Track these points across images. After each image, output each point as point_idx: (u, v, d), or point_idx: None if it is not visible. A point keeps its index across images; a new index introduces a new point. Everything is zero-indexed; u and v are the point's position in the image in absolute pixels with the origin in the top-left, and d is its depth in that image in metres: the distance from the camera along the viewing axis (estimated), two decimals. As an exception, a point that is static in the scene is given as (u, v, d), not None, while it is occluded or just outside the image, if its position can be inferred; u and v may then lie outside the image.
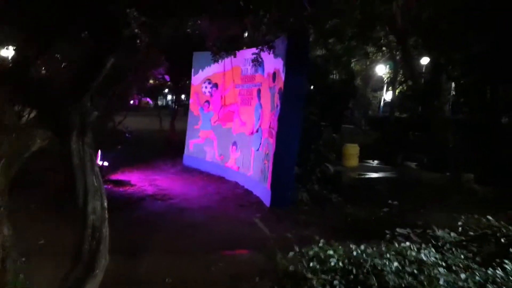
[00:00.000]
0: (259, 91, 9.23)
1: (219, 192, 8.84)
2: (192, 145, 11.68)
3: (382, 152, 11.18)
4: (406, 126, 12.36)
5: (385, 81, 23.07)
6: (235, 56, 8.34)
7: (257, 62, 7.70)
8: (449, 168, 9.36)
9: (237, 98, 10.26)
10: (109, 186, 8.79)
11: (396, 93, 23.19)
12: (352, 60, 21.69)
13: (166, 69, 8.84)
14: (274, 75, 8.18)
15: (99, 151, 8.91)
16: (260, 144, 8.74)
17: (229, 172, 10.16)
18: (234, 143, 10.17)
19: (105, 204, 3.34)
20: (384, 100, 23.46)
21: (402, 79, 18.78)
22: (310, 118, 8.17)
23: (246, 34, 9.04)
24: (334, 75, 21.22)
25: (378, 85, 23.91)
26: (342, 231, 6.39)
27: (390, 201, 7.93)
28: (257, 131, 9.00)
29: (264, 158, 8.26)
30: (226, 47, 7.96)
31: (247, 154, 9.45)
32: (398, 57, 20.54)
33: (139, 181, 9.62)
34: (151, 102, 8.74)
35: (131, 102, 8.59)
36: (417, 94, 11.16)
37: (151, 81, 19.98)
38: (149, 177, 10.16)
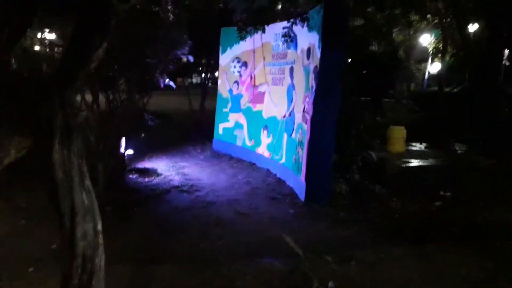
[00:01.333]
0: (291, 69, 8.34)
1: (250, 182, 8.17)
2: (221, 129, 11.02)
3: (431, 133, 10.01)
4: (458, 102, 11.07)
5: (430, 52, 21.24)
6: (264, 32, 7.47)
7: (289, 37, 6.79)
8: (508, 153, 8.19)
9: (268, 78, 9.41)
10: (134, 176, 8.34)
11: (445, 65, 21.38)
12: (394, 30, 20.10)
13: (190, 48, 8.07)
14: (309, 52, 7.26)
15: (123, 139, 8.45)
16: (293, 129, 7.92)
17: (260, 159, 9.46)
18: (265, 127, 9.40)
19: (99, 226, 2.70)
20: (429, 72, 21.68)
21: (454, 50, 17.08)
22: (350, 99, 7.22)
23: (278, 6, 8.10)
24: (374, 47, 19.78)
25: (422, 56, 22.10)
26: (389, 231, 5.60)
27: (442, 193, 7.02)
28: (290, 115, 8.17)
29: (297, 146, 7.46)
30: (254, 20, 7.09)
31: (279, 140, 8.68)
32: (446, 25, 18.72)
33: (166, 169, 9.12)
34: (173, 85, 8.06)
35: (162, 84, 7.92)
36: (472, 63, 9.83)
37: (184, 59, 19.56)
38: (177, 164, 9.65)
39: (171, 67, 7.64)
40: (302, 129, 7.28)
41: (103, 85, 7.00)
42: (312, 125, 6.60)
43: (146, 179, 8.22)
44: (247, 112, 10.16)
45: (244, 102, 10.30)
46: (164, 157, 10.24)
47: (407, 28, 20.85)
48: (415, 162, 7.91)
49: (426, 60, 21.87)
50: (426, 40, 21.26)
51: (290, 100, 8.25)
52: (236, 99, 10.57)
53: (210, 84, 15.43)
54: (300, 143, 7.28)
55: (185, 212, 6.36)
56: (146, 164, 9.51)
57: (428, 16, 20.76)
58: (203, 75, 16.43)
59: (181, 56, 8.02)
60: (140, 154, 9.81)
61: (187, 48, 7.95)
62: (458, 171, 7.66)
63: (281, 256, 4.66)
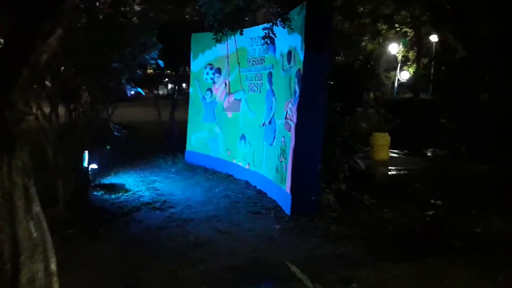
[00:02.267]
0: (270, 74, 7.85)
1: (228, 195, 7.55)
2: (194, 139, 10.36)
3: (410, 140, 9.78)
4: (434, 109, 10.96)
5: (400, 60, 21.52)
6: (241, 34, 6.96)
7: (269, 39, 6.29)
8: (495, 158, 8.02)
9: (244, 84, 8.89)
10: (100, 193, 7.53)
11: (418, 72, 21.69)
12: (364, 39, 20.21)
13: (160, 53, 7.43)
14: (290, 55, 6.80)
15: (86, 153, 7.65)
16: (274, 138, 7.41)
17: (238, 170, 8.86)
18: (243, 136, 8.84)
19: (53, 265, 2.04)
20: (399, 80, 21.93)
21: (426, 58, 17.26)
22: (334, 104, 6.80)
23: (253, 6, 7.61)
24: (340, 57, 19.77)
25: (391, 65, 22.35)
26: (385, 246, 5.14)
27: (433, 201, 6.67)
28: (270, 122, 7.66)
29: (280, 155, 6.94)
30: (230, 22, 6.58)
31: (258, 149, 8.14)
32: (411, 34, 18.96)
33: (135, 184, 8.36)
34: (141, 91, 7.46)
35: (129, 93, 7.21)
36: (453, 70, 9.74)
37: (149, 71, 18.75)
38: (147, 178, 8.89)
39: (139, 73, 6.96)
40: (284, 137, 6.77)
41: (62, 93, 6.24)
42: (297, 132, 6.10)
43: (113, 196, 7.44)
44: (222, 121, 9.57)
45: (218, 111, 9.71)
46: (133, 171, 9.46)
47: (376, 37, 21.10)
48: (401, 170, 7.56)
49: (395, 69, 22.14)
50: (395, 48, 21.55)
51: (269, 107, 7.74)
52: (210, 107, 9.97)
53: (176, 95, 14.78)
54: (283, 152, 6.77)
55: (159, 233, 5.67)
56: (113, 179, 8.71)
57: (396, 25, 21.10)
58: (169, 86, 15.75)
59: (150, 61, 7.36)
60: (106, 169, 9.00)
61: (156, 53, 7.30)
62: (446, 179, 7.36)
63: (274, 281, 4.07)
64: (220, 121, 9.66)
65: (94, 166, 7.93)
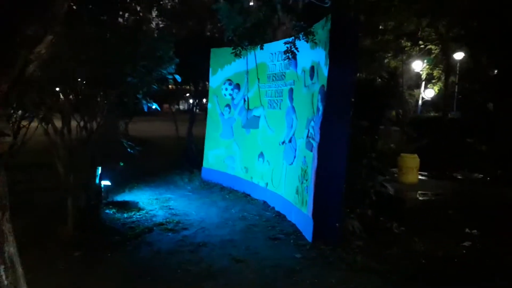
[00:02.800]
0: (291, 91, 7.48)
1: (245, 217, 7.13)
2: (212, 156, 10.03)
3: (437, 162, 9.18)
4: (464, 129, 10.36)
5: (423, 78, 20.85)
6: (261, 48, 6.64)
7: (291, 53, 5.94)
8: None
9: (264, 100, 8.54)
10: (112, 212, 7.22)
11: (436, 90, 21.00)
12: (387, 55, 19.71)
13: (178, 68, 7.16)
14: (312, 70, 6.42)
15: (99, 169, 7.40)
16: (294, 157, 6.99)
17: (255, 189, 8.45)
18: (261, 154, 8.45)
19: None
20: (423, 98, 21.23)
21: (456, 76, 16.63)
22: (359, 123, 6.36)
23: (274, 20, 7.32)
24: (361, 74, 19.28)
25: (415, 82, 21.69)
26: (417, 283, 4.58)
27: (468, 230, 6.09)
28: (290, 141, 7.25)
29: (301, 176, 6.50)
30: (250, 37, 6.28)
31: (277, 168, 7.72)
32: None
33: (149, 202, 8.04)
34: (157, 107, 7.22)
35: (145, 108, 6.94)
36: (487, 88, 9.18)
37: (170, 86, 18.68)
38: (161, 195, 8.58)
39: (155, 87, 6.68)
40: (306, 157, 6.34)
41: (74, 106, 6.01)
42: (320, 152, 5.67)
43: (125, 215, 7.12)
44: (241, 138, 9.22)
45: (236, 127, 9.38)
46: (147, 188, 9.17)
47: (399, 54, 20.57)
48: (431, 195, 7.00)
49: (419, 86, 21.47)
50: (419, 66, 20.93)
51: (289, 125, 7.34)
52: (228, 123, 9.65)
53: (197, 110, 14.56)
54: (304, 172, 6.33)
55: (170, 258, 5.27)
56: (127, 196, 8.42)
57: (420, 42, 20.55)
58: (190, 100, 15.57)
59: (167, 76, 7.08)
60: (120, 185, 8.75)
61: (173, 67, 7.03)
62: (481, 205, 6.77)
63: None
64: (238, 138, 9.31)
65: (107, 182, 7.65)
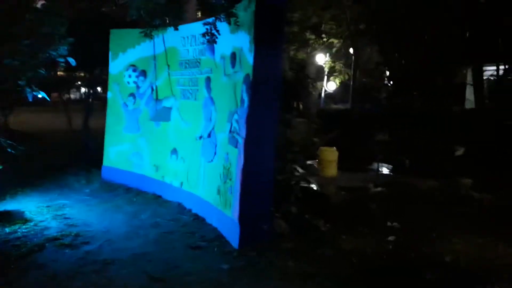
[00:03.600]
0: (208, 80, 6.77)
1: (158, 223, 6.28)
2: (114, 152, 8.84)
3: (351, 154, 9.29)
4: (369, 122, 10.70)
5: (326, 71, 21.65)
6: (176, 29, 5.81)
7: (211, 37, 5.22)
8: (439, 172, 7.80)
9: (175, 90, 7.69)
10: (-12, 226, 5.81)
11: (338, 83, 21.99)
12: (292, 48, 19.96)
13: (71, 50, 5.97)
14: (234, 58, 5.79)
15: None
16: (215, 154, 6.33)
17: (168, 190, 7.60)
18: (174, 151, 7.61)
19: None
20: (325, 91, 22.03)
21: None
22: (285, 115, 5.95)
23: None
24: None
25: (317, 75, 22.42)
26: (355, 284, 4.32)
27: (389, 223, 6.09)
28: (209, 135, 6.56)
29: (222, 174, 5.88)
30: (163, 14, 5.43)
31: (194, 166, 6.98)
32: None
33: (38, 211, 6.72)
34: (46, 96, 5.96)
35: (30, 97, 5.62)
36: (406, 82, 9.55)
37: (60, 72, 16.41)
38: (54, 202, 7.27)
39: (42, 72, 5.43)
40: (229, 154, 5.73)
41: None
42: (247, 148, 5.10)
43: (7, 229, 5.79)
44: (149, 132, 8.24)
45: (143, 120, 8.36)
46: (36, 193, 7.72)
47: (305, 47, 21.07)
48: (351, 188, 6.95)
49: (322, 79, 22.24)
50: (322, 59, 21.67)
51: (208, 118, 6.64)
52: (133, 115, 8.56)
53: (91, 100, 12.98)
54: (227, 171, 5.72)
55: (70, 284, 4.27)
56: (8, 205, 6.97)
57: (323, 35, 21.26)
58: (83, 89, 13.88)
59: (58, 59, 5.85)
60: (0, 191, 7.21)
61: (66, 48, 5.82)
62: (397, 196, 6.90)
63: None
64: (146, 132, 8.31)
65: (-20, 189, 6.18)
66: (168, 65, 7.81)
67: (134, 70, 8.57)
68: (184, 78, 7.48)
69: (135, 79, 8.56)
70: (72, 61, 5.82)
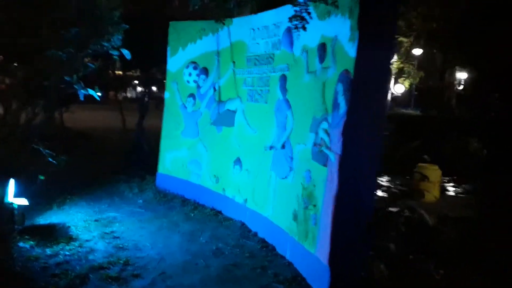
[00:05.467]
0: (283, 79, 5.60)
1: (220, 250, 5.21)
2: (170, 159, 7.94)
3: (443, 170, 7.70)
4: (462, 128, 9.05)
5: (394, 72, 19.81)
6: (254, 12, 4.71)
7: (301, 21, 4.04)
8: None
9: (241, 91, 6.61)
10: (28, 245, 5.01)
11: (407, 86, 20.09)
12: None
13: (125, 40, 5.05)
14: (323, 49, 4.57)
15: (11, 181, 5.20)
16: (290, 169, 5.14)
17: (229, 205, 6.54)
18: (238, 161, 6.53)
19: None
20: (392, 94, 20.21)
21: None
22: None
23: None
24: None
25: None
26: None
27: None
28: (282, 146, 5.38)
29: (302, 197, 4.68)
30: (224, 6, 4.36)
31: (261, 181, 5.84)
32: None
33: (85, 226, 5.88)
34: (95, 95, 5.24)
35: (81, 96, 4.75)
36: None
37: (118, 72, 16.07)
38: (103, 214, 6.44)
39: (91, 66, 4.53)
40: (312, 172, 4.51)
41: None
42: (344, 169, 3.86)
43: (48, 251, 4.95)
44: (209, 138, 7.23)
45: (203, 124, 7.36)
46: (84, 202, 6.94)
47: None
48: (460, 219, 5.46)
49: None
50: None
51: (281, 125, 5.47)
52: (192, 118, 7.59)
53: (147, 99, 12.28)
54: (310, 194, 4.51)
55: None
56: (54, 216, 6.21)
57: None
58: (138, 88, 13.32)
59: (111, 51, 4.94)
60: (45, 199, 6.51)
61: (119, 37, 4.89)
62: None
63: None
64: (206, 138, 7.31)
65: (22, 201, 5.43)
66: (234, 62, 6.76)
67: (195, 68, 7.60)
68: (252, 76, 6.38)
69: (196, 78, 7.59)
70: (127, 53, 4.90)
